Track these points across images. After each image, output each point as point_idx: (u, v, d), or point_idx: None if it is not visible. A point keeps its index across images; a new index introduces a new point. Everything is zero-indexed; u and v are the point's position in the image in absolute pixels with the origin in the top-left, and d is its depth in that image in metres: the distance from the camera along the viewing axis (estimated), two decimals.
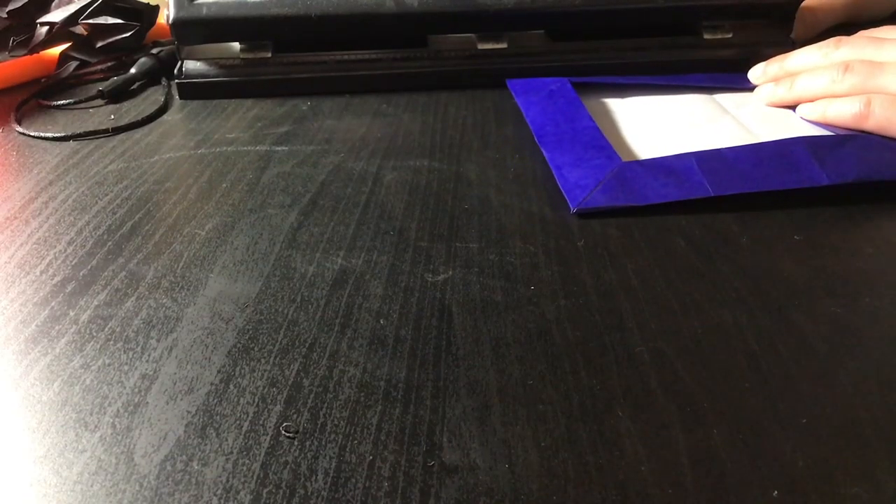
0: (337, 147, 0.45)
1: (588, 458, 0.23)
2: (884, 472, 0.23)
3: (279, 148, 0.45)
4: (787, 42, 0.56)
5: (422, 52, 0.54)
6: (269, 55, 0.53)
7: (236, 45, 0.54)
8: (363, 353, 0.28)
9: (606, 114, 0.47)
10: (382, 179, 0.41)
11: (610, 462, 0.23)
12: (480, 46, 0.55)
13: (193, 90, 0.53)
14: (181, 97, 0.52)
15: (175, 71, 0.53)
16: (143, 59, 0.56)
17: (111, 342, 0.28)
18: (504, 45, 0.55)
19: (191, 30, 0.51)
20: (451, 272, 0.32)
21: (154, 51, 0.57)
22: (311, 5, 0.51)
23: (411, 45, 0.55)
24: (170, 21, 0.50)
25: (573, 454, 0.23)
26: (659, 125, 0.46)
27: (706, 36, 0.56)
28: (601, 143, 0.41)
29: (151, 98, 0.53)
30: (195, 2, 0.51)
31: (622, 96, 0.50)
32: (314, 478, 0.23)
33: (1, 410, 0.25)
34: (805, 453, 0.23)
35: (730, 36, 0.56)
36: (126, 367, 0.27)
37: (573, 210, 0.36)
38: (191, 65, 0.53)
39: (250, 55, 0.53)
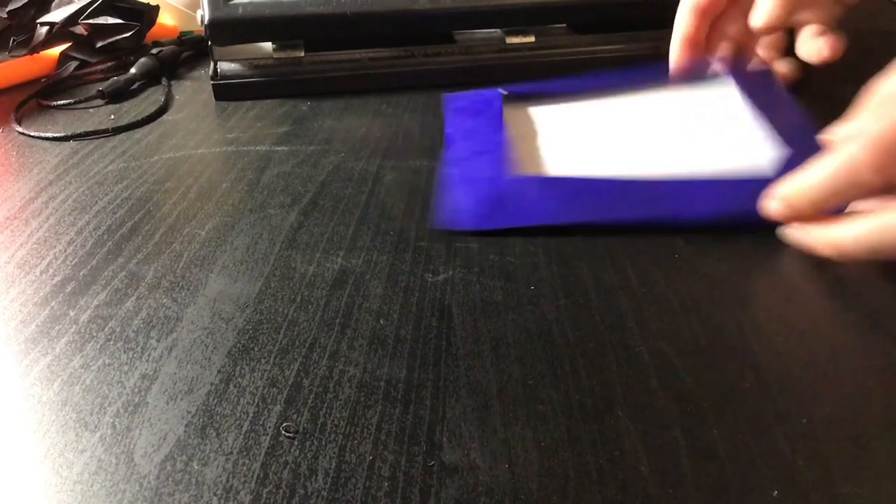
0: (337, 147, 0.45)
1: (588, 458, 0.23)
2: (884, 472, 0.23)
3: (279, 148, 0.45)
4: None
5: (453, 48, 0.55)
6: (302, 54, 0.54)
7: (268, 46, 0.54)
8: (363, 353, 0.28)
9: (529, 126, 0.45)
10: (382, 179, 0.41)
11: (610, 462, 0.23)
12: (509, 41, 0.56)
13: (229, 91, 0.53)
14: (217, 98, 0.52)
15: (210, 73, 0.53)
16: (143, 60, 0.56)
17: (111, 342, 0.28)
18: (532, 39, 0.56)
19: (226, 30, 0.51)
20: (451, 272, 0.32)
21: (154, 51, 0.57)
22: (346, 3, 0.51)
23: (438, 42, 0.55)
24: (205, 22, 0.50)
25: (573, 454, 0.23)
26: (576, 140, 0.43)
27: None
28: (497, 157, 0.39)
29: (151, 98, 0.53)
30: (231, 2, 0.51)
31: (555, 102, 0.48)
32: (314, 478, 0.23)
33: (1, 410, 0.25)
34: (805, 453, 0.23)
35: None
36: (126, 367, 0.27)
37: (434, 226, 0.34)
38: (225, 66, 0.53)
39: (283, 55, 0.53)
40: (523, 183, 0.37)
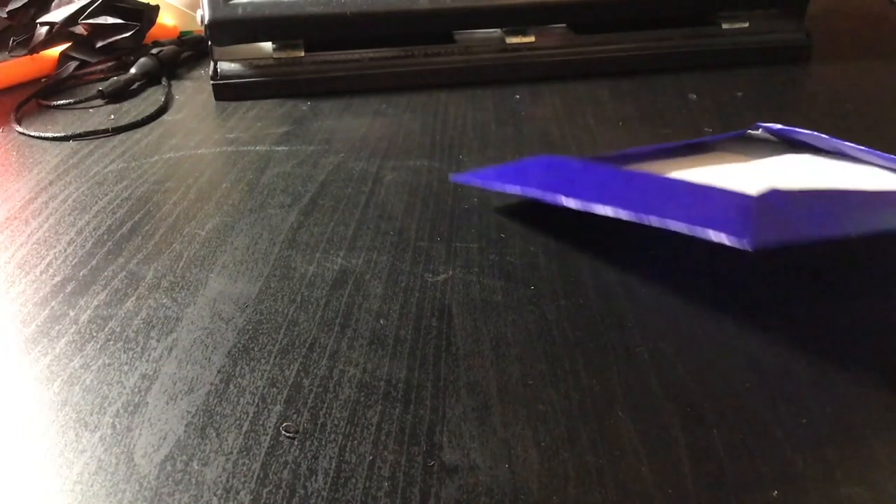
0: (337, 147, 0.45)
1: (588, 458, 0.23)
2: (884, 472, 0.23)
3: (279, 148, 0.45)
4: (801, 30, 0.58)
5: (453, 48, 0.55)
6: (302, 54, 0.54)
7: (268, 46, 0.54)
8: (363, 353, 0.28)
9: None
10: (382, 179, 0.41)
11: (610, 462, 0.23)
12: (509, 41, 0.56)
13: (229, 91, 0.53)
14: (217, 98, 0.52)
15: (210, 73, 0.53)
16: (143, 60, 0.56)
17: (111, 342, 0.28)
18: (532, 39, 0.56)
19: (226, 30, 0.51)
20: (451, 272, 0.32)
21: (154, 51, 0.57)
22: (346, 3, 0.51)
23: (438, 42, 0.56)
24: (205, 22, 0.50)
25: (573, 454, 0.23)
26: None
27: (724, 26, 0.58)
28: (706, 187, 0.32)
29: (151, 98, 0.53)
30: (230, 2, 0.51)
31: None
32: (314, 478, 0.23)
33: (1, 410, 0.25)
34: (805, 453, 0.23)
35: (746, 25, 0.58)
36: (126, 367, 0.27)
37: (751, 247, 0.26)
38: (225, 66, 0.53)
39: (283, 55, 0.53)
40: (785, 196, 0.31)
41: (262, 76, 0.53)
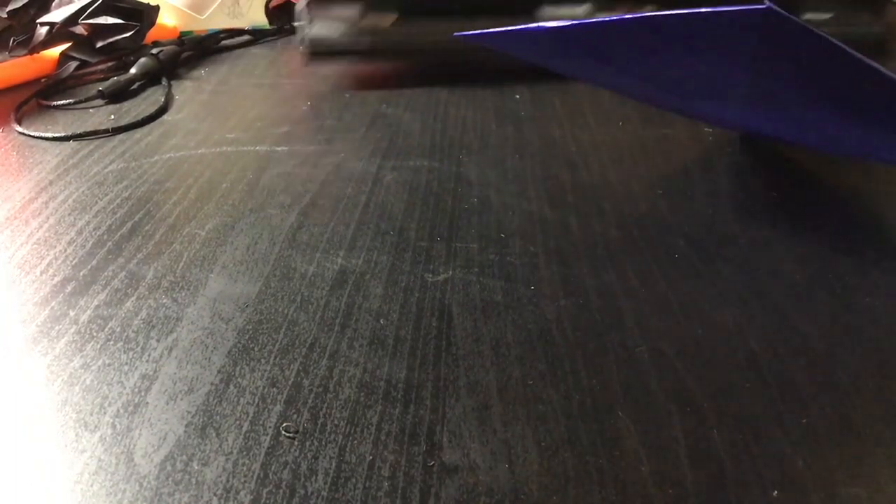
0: (337, 147, 0.45)
1: (588, 458, 0.23)
2: (884, 472, 0.23)
3: (279, 148, 0.45)
4: (881, 25, 0.54)
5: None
6: (393, 19, 0.53)
7: (360, 11, 0.54)
8: (363, 353, 0.28)
9: None
10: (382, 179, 0.41)
11: (610, 462, 0.23)
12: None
13: (321, 53, 0.53)
14: (309, 62, 0.53)
15: (300, 36, 0.53)
16: (143, 59, 0.56)
17: (111, 342, 0.28)
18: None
19: None
20: (451, 272, 0.32)
21: (154, 51, 0.57)
22: None
23: (522, 14, 0.54)
24: None
25: (573, 454, 0.23)
26: None
27: (807, 16, 0.55)
28: None
29: (151, 98, 0.53)
30: None
31: None
32: (314, 478, 0.23)
33: (1, 410, 0.25)
34: (805, 453, 0.23)
35: (828, 17, 0.54)
36: (126, 367, 0.27)
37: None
38: (318, 28, 0.54)
39: (375, 20, 0.53)
40: None
41: (354, 41, 0.53)
